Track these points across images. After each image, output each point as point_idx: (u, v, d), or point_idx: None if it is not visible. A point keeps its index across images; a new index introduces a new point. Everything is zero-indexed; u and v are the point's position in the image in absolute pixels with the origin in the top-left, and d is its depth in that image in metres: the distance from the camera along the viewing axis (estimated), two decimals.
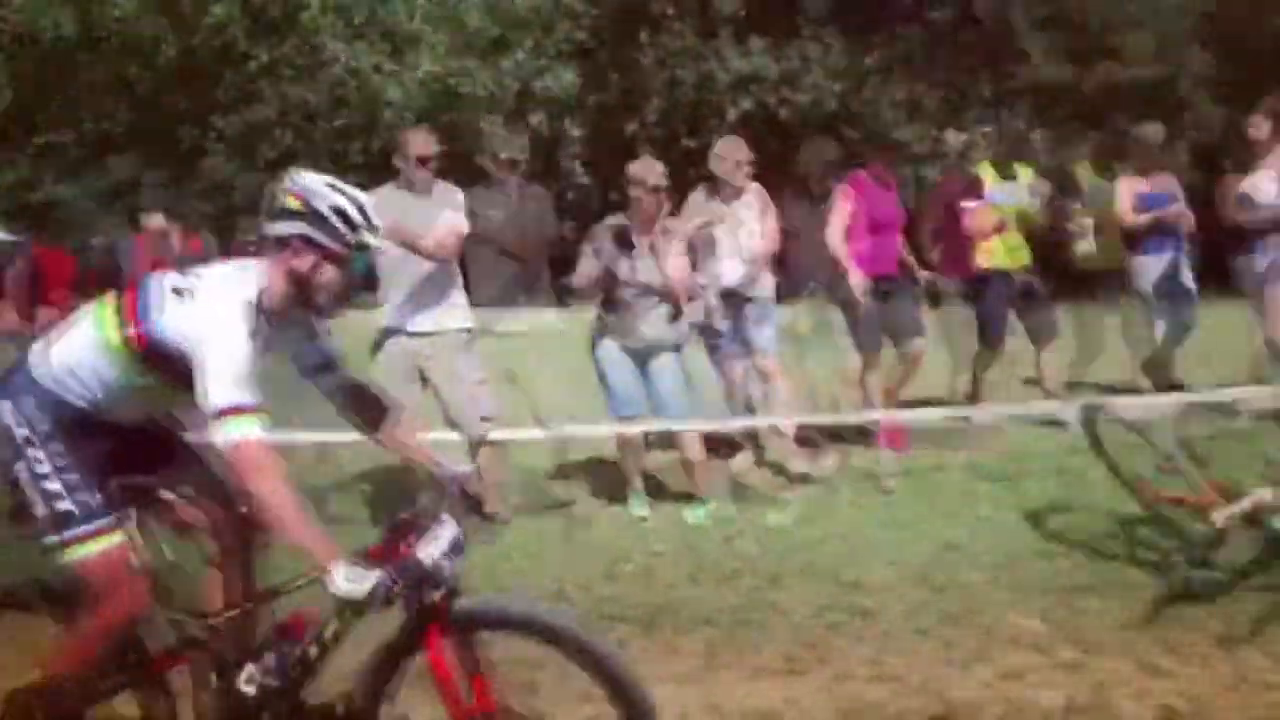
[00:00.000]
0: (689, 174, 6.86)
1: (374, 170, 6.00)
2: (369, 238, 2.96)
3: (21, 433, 2.95)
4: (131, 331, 2.94)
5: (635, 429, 5.95)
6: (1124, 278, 7.40)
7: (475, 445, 5.72)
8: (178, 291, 2.93)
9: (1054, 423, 6.86)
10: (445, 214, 5.74)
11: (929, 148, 16.39)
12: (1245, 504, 4.44)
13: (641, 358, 5.90)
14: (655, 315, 5.84)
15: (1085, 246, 7.53)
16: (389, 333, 5.75)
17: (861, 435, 6.94)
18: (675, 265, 5.85)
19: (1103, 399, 6.19)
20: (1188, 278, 7.28)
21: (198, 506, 3.18)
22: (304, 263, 2.94)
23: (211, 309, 2.87)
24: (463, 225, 5.79)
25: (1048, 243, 7.55)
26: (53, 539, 2.93)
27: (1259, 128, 7.00)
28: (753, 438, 6.86)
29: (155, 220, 7.95)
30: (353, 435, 3.35)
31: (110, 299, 3.06)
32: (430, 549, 2.75)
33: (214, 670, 3.07)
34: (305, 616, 2.99)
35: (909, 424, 6.90)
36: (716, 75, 16.11)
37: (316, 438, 5.60)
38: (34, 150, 16.25)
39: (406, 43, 16.28)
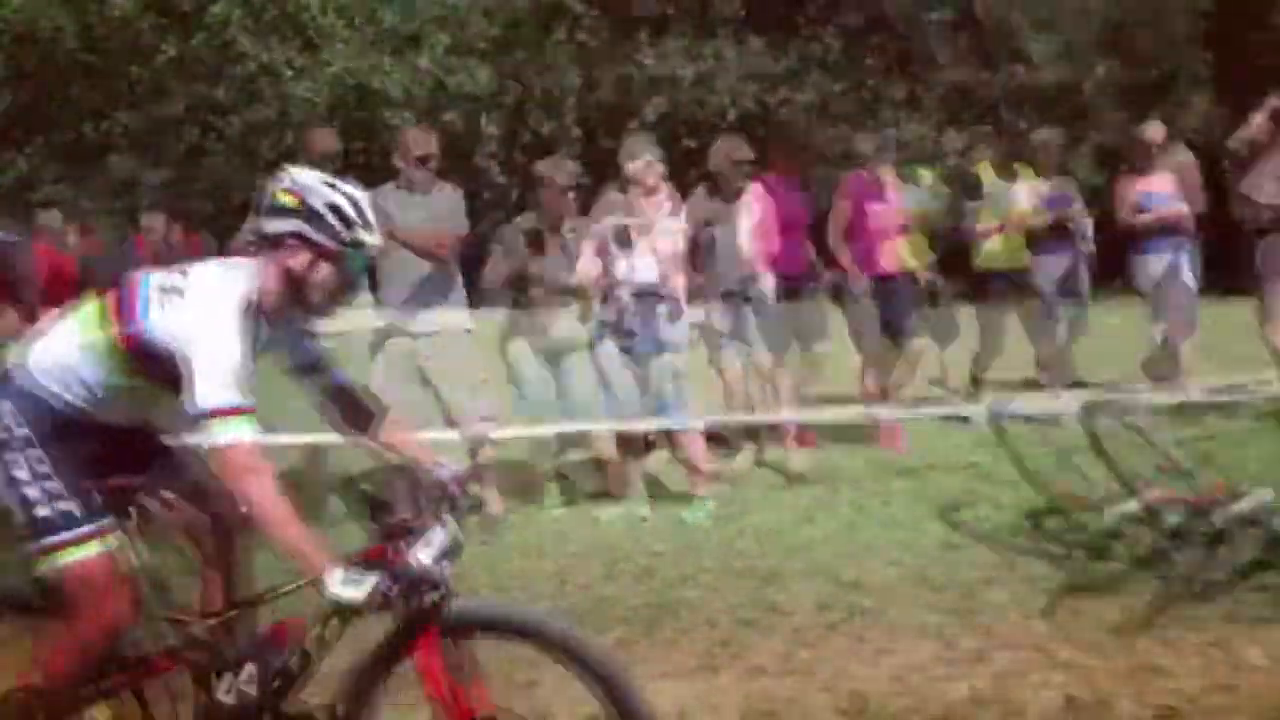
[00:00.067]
0: (606, 173, 6.83)
1: (374, 170, 6.02)
2: (366, 236, 2.91)
3: (10, 434, 2.90)
4: (120, 331, 2.89)
5: (636, 429, 5.96)
6: (1025, 277, 7.43)
7: (475, 445, 5.73)
8: (172, 291, 2.88)
9: (960, 419, 6.90)
10: (445, 214, 5.75)
11: (842, 149, 16.41)
12: (1245, 504, 4.48)
13: (553, 357, 5.92)
14: (566, 314, 5.84)
15: (990, 246, 7.58)
16: (388, 333, 5.76)
17: (859, 434, 6.99)
18: (586, 263, 5.85)
19: (1011, 397, 6.22)
20: (1188, 277, 7.31)
21: (183, 510, 3.15)
22: (299, 261, 2.88)
23: (202, 308, 2.82)
24: (463, 225, 5.80)
25: (949, 244, 7.63)
26: (40, 543, 2.88)
27: (1155, 131, 7.07)
28: (754, 437, 6.89)
29: (155, 220, 7.95)
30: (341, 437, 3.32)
31: (98, 298, 3.01)
32: (425, 552, 2.71)
33: (198, 677, 3.03)
34: (291, 622, 2.96)
35: (906, 423, 6.93)
36: (633, 75, 16.10)
37: (306, 439, 5.60)
38: None
39: (318, 39, 16.19)
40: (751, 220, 6.71)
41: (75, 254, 7.24)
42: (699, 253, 6.22)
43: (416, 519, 2.81)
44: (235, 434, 2.71)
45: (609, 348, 5.91)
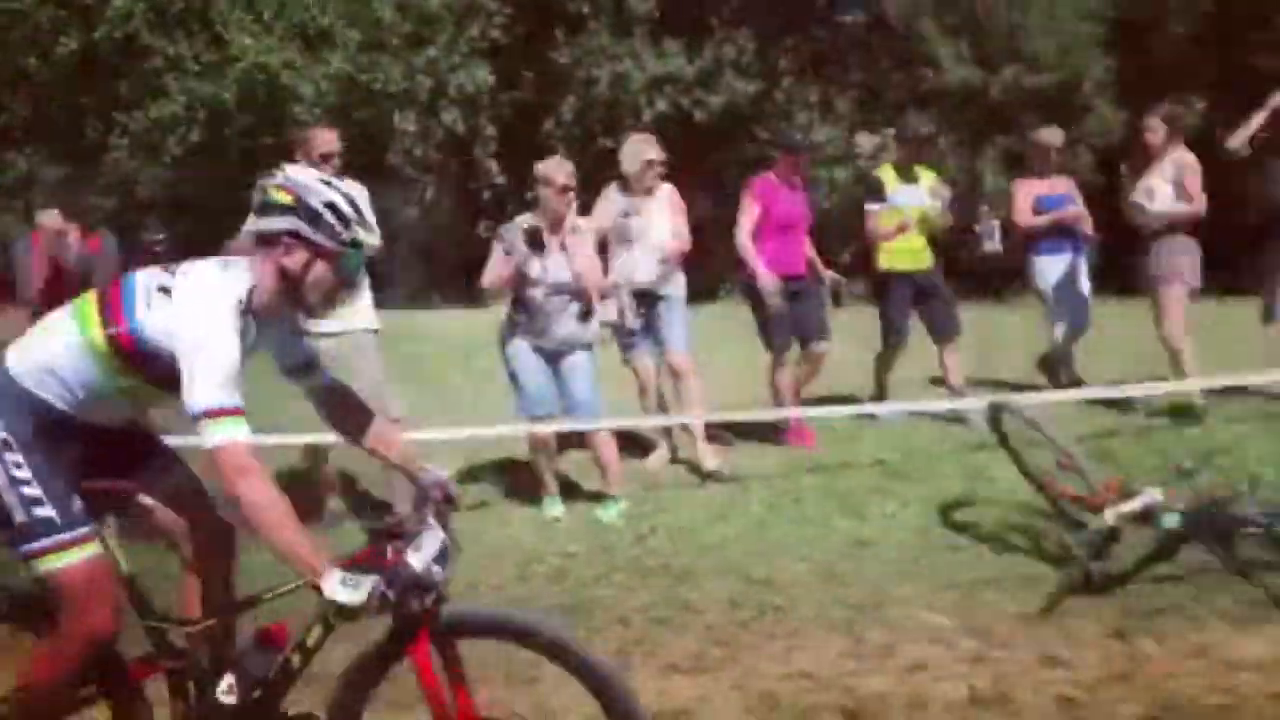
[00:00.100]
0: (605, 173, 6.86)
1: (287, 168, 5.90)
2: (364, 235, 2.87)
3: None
4: (114, 331, 2.83)
5: (548, 429, 5.95)
6: (928, 278, 7.47)
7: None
8: (163, 290, 2.83)
9: (958, 419, 7.04)
10: None
11: (842, 149, 16.65)
12: (1136, 503, 4.59)
13: (553, 357, 5.89)
14: (566, 314, 5.84)
15: (992, 246, 7.71)
16: None
17: (770, 432, 7.06)
18: (586, 264, 5.86)
19: (1007, 396, 6.34)
20: (1084, 278, 7.49)
21: (175, 511, 3.09)
22: (295, 260, 2.84)
23: (198, 308, 2.77)
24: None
25: (950, 243, 7.73)
26: (30, 546, 2.81)
27: (1155, 132, 7.23)
28: (667, 435, 6.92)
29: (50, 217, 7.69)
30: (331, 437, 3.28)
31: (91, 297, 2.94)
32: (420, 555, 2.68)
33: (191, 680, 2.98)
34: (274, 628, 2.92)
35: (817, 422, 7.01)
36: (631, 75, 16.16)
37: (306, 439, 5.53)
38: None
39: (317, 38, 16.05)
40: (748, 220, 6.81)
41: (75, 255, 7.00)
42: (609, 251, 6.21)
43: (409, 522, 2.80)
44: (229, 434, 2.67)
45: (521, 346, 5.88)
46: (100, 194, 15.17)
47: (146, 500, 3.07)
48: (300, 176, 2.90)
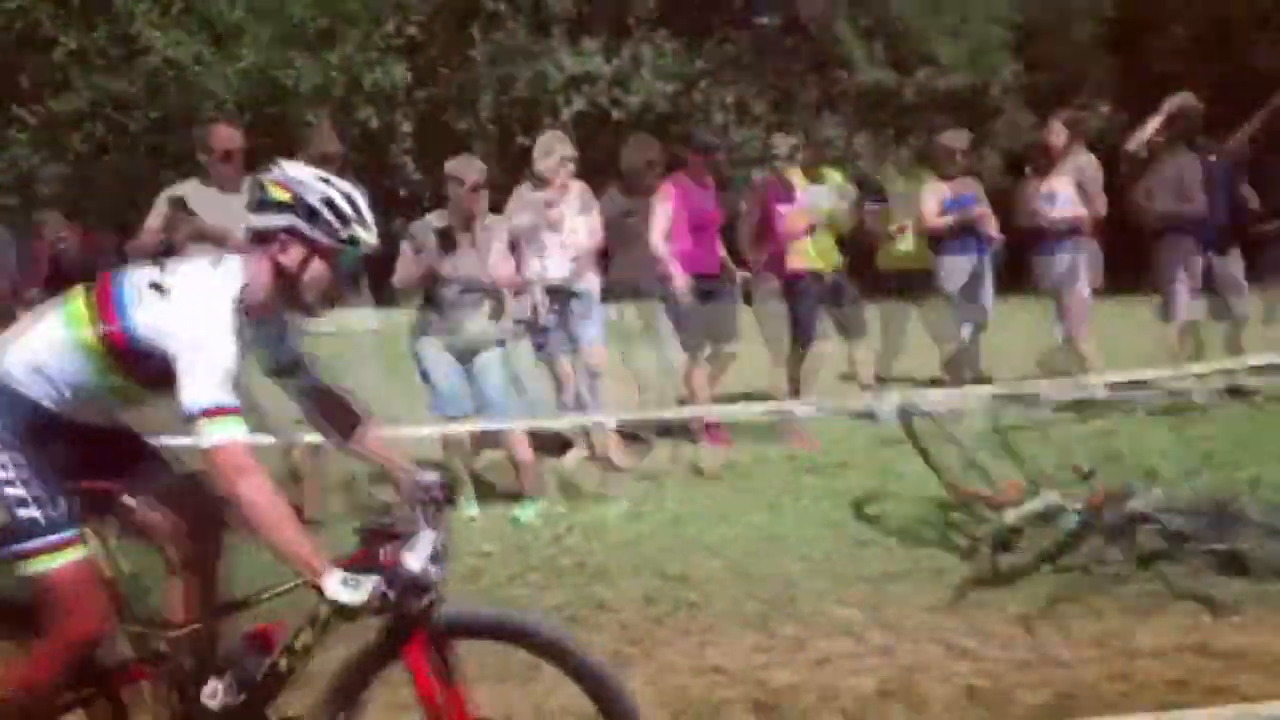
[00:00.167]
0: (523, 171, 6.85)
1: (196, 165, 5.79)
2: (363, 233, 2.82)
3: None
4: (106, 329, 2.76)
5: (461, 428, 5.90)
6: (928, 277, 7.67)
7: (287, 449, 5.59)
8: (155, 287, 2.75)
9: (869, 416, 7.14)
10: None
11: (758, 150, 16.79)
12: (1037, 504, 4.71)
13: (465, 356, 5.85)
14: (478, 312, 5.80)
15: (903, 246, 7.84)
16: None
17: (685, 431, 7.09)
18: (498, 261, 5.83)
19: (917, 394, 6.46)
20: (988, 278, 7.65)
21: (162, 512, 3.00)
22: (292, 258, 2.78)
23: (192, 306, 2.70)
24: None
25: (857, 243, 7.85)
26: (16, 548, 2.72)
27: (1057, 135, 7.42)
28: (585, 434, 6.91)
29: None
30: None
31: (80, 294, 2.85)
32: (416, 555, 2.65)
33: (177, 685, 2.90)
34: (266, 630, 2.87)
35: (730, 419, 7.07)
36: (549, 74, 16.13)
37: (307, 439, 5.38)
38: None
39: (228, 33, 15.75)
40: (662, 219, 6.85)
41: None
42: (521, 249, 6.19)
43: (402, 523, 2.76)
44: (227, 434, 2.61)
45: (433, 345, 5.83)
46: (101, 195, 14.70)
47: (133, 501, 3.00)
48: (297, 173, 2.84)
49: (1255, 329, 7.53)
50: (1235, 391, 7.39)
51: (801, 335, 7.37)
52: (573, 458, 6.82)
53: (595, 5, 16.57)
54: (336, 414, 3.10)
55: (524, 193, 6.62)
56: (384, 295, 5.97)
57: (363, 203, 2.87)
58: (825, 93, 16.79)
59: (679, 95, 16.67)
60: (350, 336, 5.83)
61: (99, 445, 2.97)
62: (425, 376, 5.85)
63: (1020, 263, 7.80)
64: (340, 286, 2.94)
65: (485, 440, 6.51)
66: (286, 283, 2.83)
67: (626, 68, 16.40)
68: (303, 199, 2.78)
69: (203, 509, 3.02)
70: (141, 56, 15.32)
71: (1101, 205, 7.24)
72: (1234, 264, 7.30)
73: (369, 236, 2.85)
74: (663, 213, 6.90)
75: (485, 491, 6.19)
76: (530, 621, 2.97)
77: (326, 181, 2.84)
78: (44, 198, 15.75)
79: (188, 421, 2.63)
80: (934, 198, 7.74)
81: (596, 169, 7.05)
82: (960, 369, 7.74)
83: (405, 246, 5.82)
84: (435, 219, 5.81)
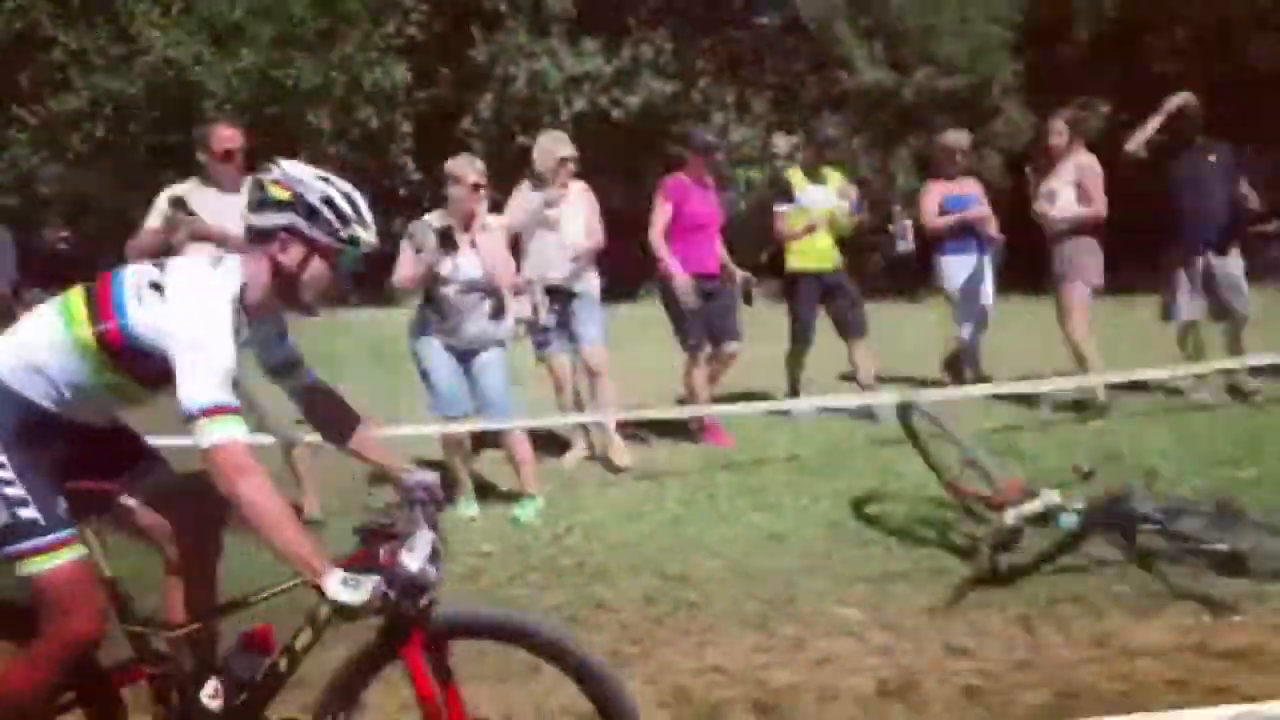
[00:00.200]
0: (523, 171, 6.85)
1: (196, 165, 5.79)
2: (363, 232, 2.82)
3: None
4: (104, 328, 2.75)
5: (461, 428, 5.90)
6: (835, 278, 7.60)
7: (287, 447, 5.59)
8: (155, 286, 2.75)
9: (868, 415, 7.15)
10: None
11: (758, 150, 16.79)
12: (1037, 504, 4.71)
13: (465, 356, 5.85)
14: (478, 312, 5.80)
15: (905, 247, 7.85)
16: None
17: (685, 431, 7.11)
18: (498, 261, 5.83)
19: (916, 393, 6.46)
20: (988, 278, 7.67)
21: (159, 512, 3.00)
22: (291, 257, 2.79)
23: (192, 304, 2.70)
24: None
25: (858, 243, 7.86)
26: (12, 549, 2.72)
27: (1058, 135, 7.42)
28: (584, 433, 6.92)
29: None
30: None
31: (78, 293, 2.85)
32: (415, 555, 2.65)
33: (176, 685, 2.90)
34: (260, 631, 2.86)
35: (732, 419, 7.07)
36: (549, 73, 16.13)
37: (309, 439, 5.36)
38: None
39: (228, 32, 15.73)
40: (661, 220, 6.87)
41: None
42: (521, 248, 6.19)
43: (399, 523, 2.76)
44: (226, 433, 2.60)
45: (432, 345, 5.82)
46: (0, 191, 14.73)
47: (129, 501, 3.00)
48: (298, 171, 2.84)
49: (1255, 329, 7.53)
50: (1235, 391, 7.40)
51: (797, 335, 7.38)
52: (572, 457, 6.82)
53: (594, 5, 16.57)
54: (333, 414, 3.10)
55: (524, 192, 6.62)
56: (384, 294, 5.97)
57: (362, 202, 2.87)
58: (825, 92, 16.78)
59: (679, 95, 16.67)
60: (355, 336, 5.82)
61: (96, 445, 2.97)
62: (425, 376, 5.84)
63: (1025, 262, 7.81)
64: (339, 286, 2.94)
65: (485, 440, 6.51)
66: (286, 282, 2.83)
67: (626, 67, 16.40)
68: (303, 198, 2.78)
69: (200, 509, 3.02)
70: (141, 56, 15.31)
71: (1101, 205, 7.24)
72: (1233, 264, 7.30)
73: (369, 236, 2.85)
74: (661, 212, 6.91)
75: (485, 491, 6.19)
76: (530, 621, 2.97)
77: (326, 180, 2.84)
78: (44, 198, 15.79)
79: (187, 421, 2.62)
80: (934, 197, 7.75)
81: (597, 169, 7.03)
82: (959, 370, 7.75)
83: (405, 246, 5.82)
84: (435, 219, 5.80)
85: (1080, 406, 7.21)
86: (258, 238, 2.83)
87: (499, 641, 2.90)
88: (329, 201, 2.79)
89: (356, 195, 2.87)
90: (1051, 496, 4.69)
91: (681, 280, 6.81)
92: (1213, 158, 7.31)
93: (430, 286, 5.75)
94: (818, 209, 7.32)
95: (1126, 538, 4.69)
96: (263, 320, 2.91)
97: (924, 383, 7.89)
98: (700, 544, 5.43)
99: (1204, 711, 3.53)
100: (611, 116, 16.19)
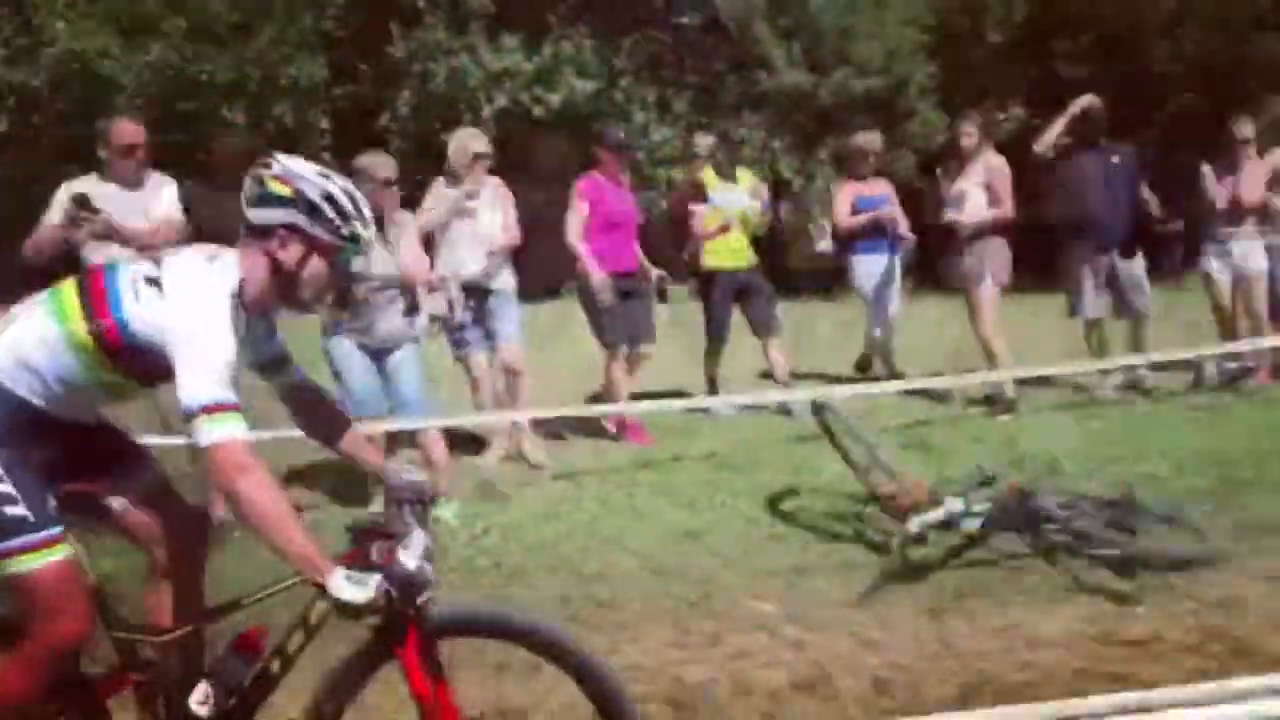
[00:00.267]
0: (443, 168, 6.78)
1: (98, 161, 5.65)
2: (362, 230, 2.78)
3: None
4: (100, 325, 2.68)
5: (376, 428, 5.83)
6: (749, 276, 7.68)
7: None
8: (151, 282, 2.68)
9: (785, 413, 7.23)
10: (160, 207, 5.48)
11: (679, 150, 16.84)
12: (939, 512, 4.82)
13: (378, 354, 5.78)
14: (391, 310, 5.74)
15: (824, 246, 7.97)
16: None
17: (605, 430, 7.12)
18: (410, 258, 5.77)
19: (830, 390, 6.55)
20: (897, 277, 7.80)
21: (147, 512, 2.93)
22: (290, 254, 2.74)
23: (191, 301, 2.63)
24: (179, 217, 5.54)
25: (772, 242, 7.97)
26: (1, 546, 2.64)
27: (969, 136, 7.58)
28: (503, 433, 6.88)
29: None
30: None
31: (69, 288, 2.77)
32: (411, 554, 2.63)
33: (164, 692, 2.83)
34: (252, 634, 2.81)
35: (651, 417, 7.10)
36: (468, 70, 16.01)
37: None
38: None
39: (137, 25, 15.35)
40: (577, 218, 6.87)
41: None
42: (434, 245, 6.14)
43: (392, 523, 2.75)
44: (226, 431, 2.54)
45: (345, 344, 5.75)
46: None
47: (116, 502, 2.94)
48: (298, 167, 2.79)
49: (1156, 326, 7.77)
50: (1135, 387, 7.61)
51: (711, 333, 7.44)
52: (490, 457, 6.78)
53: (513, 2, 16.48)
54: (321, 412, 3.08)
55: (438, 189, 6.57)
56: None
57: (362, 199, 2.84)
58: (745, 93, 16.89)
59: (600, 93, 16.66)
60: None
61: (84, 444, 2.92)
62: (337, 376, 5.76)
63: (931, 261, 7.97)
64: (337, 283, 2.91)
65: (400, 440, 6.44)
66: (284, 279, 2.79)
67: (547, 65, 16.34)
68: (304, 194, 2.75)
69: (187, 509, 2.99)
70: (46, 48, 14.87)
71: (1009, 206, 7.41)
72: (1136, 263, 7.52)
73: (369, 234, 2.83)
74: (578, 211, 6.92)
75: None
76: (527, 619, 2.96)
77: (326, 176, 2.81)
78: None
79: (187, 419, 2.58)
80: (846, 198, 7.86)
81: (519, 167, 7.01)
82: (870, 369, 7.89)
83: None
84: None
85: (990, 402, 7.37)
86: (256, 233, 2.78)
87: (498, 640, 2.89)
88: (330, 198, 2.76)
89: (356, 191, 2.84)
90: (954, 504, 4.82)
91: (598, 279, 6.82)
92: (1116, 159, 7.52)
93: (341, 284, 5.67)
94: (731, 209, 7.39)
95: (1032, 534, 4.82)
96: (255, 316, 2.86)
97: (840, 379, 8.00)
98: (618, 543, 5.43)
99: (1105, 699, 3.61)
100: (533, 114, 16.12)
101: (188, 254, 2.82)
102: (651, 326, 7.17)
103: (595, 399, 7.40)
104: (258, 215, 2.78)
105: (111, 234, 5.29)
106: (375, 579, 2.54)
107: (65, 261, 5.24)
